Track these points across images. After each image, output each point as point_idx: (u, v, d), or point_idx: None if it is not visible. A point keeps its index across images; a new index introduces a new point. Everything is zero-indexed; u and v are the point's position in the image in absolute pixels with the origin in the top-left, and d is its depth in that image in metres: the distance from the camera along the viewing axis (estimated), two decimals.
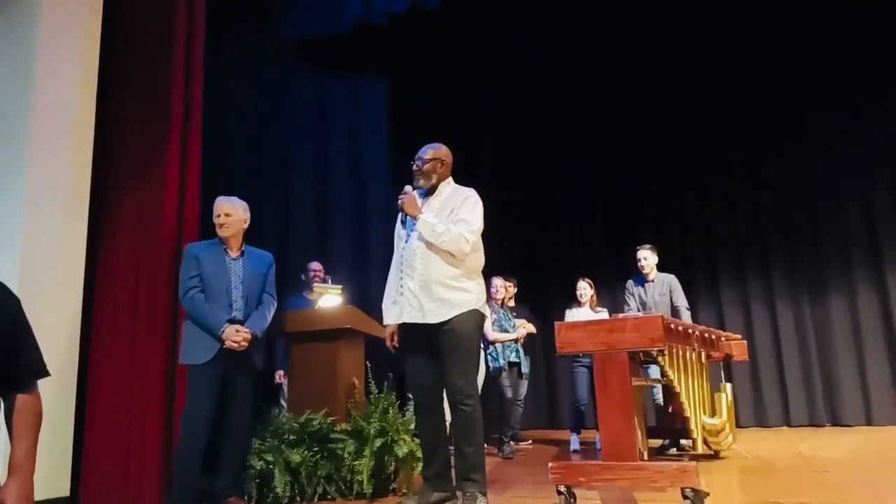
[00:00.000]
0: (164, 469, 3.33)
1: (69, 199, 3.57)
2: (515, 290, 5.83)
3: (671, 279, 5.22)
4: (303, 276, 4.96)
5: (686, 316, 5.05)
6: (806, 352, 6.36)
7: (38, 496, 1.85)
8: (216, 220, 3.34)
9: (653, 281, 5.22)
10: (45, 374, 1.71)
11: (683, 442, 4.76)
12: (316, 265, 4.98)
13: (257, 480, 3.28)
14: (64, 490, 3.38)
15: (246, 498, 3.24)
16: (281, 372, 4.75)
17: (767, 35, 6.71)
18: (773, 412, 6.41)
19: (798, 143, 6.67)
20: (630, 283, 5.39)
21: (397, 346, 3.19)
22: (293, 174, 6.13)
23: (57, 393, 3.36)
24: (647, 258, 5.22)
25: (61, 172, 3.54)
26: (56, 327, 3.39)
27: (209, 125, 3.93)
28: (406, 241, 3.11)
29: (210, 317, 3.16)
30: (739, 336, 4.66)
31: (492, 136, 7.93)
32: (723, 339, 4.38)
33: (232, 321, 3.19)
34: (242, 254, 3.39)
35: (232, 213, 3.35)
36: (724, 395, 4.24)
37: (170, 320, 3.44)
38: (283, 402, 4.47)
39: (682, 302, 5.14)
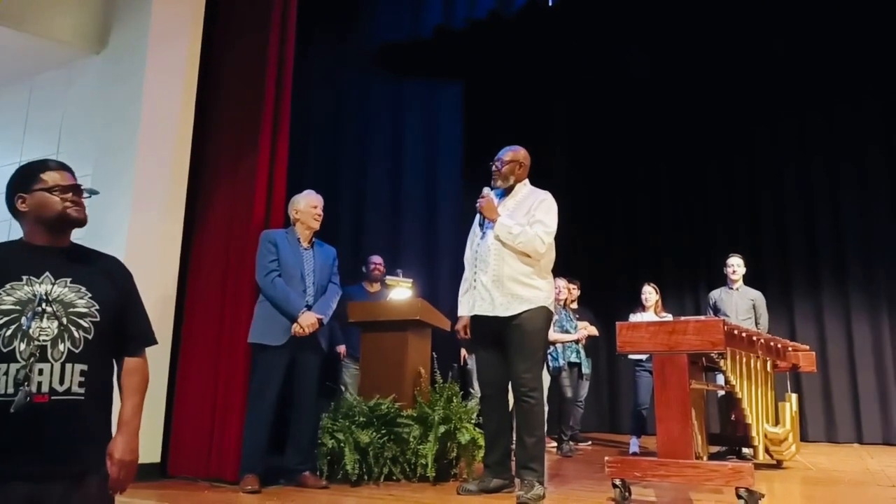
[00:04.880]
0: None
1: (169, 194, 3.92)
2: (578, 292, 5.89)
3: (757, 294, 5.17)
4: (364, 269, 5.18)
5: None
6: (882, 367, 6.15)
7: None
8: (316, 213, 3.64)
9: (737, 290, 5.19)
10: (154, 342, 1.91)
11: (745, 451, 4.72)
12: (377, 259, 5.18)
13: (328, 458, 3.52)
14: (155, 456, 3.71)
15: (318, 474, 3.49)
16: (343, 347, 4.92)
17: (853, 44, 6.49)
18: (844, 428, 6.22)
19: (881, 150, 6.43)
20: (711, 293, 5.37)
21: (468, 336, 3.35)
22: (369, 172, 6.39)
23: (153, 367, 3.69)
24: (739, 265, 5.20)
25: (164, 172, 3.91)
26: (153, 307, 3.72)
27: (292, 125, 4.20)
28: (482, 238, 3.27)
29: (292, 300, 3.43)
30: (807, 347, 4.58)
31: (563, 140, 8.01)
32: (789, 349, 4.33)
33: (307, 307, 3.47)
34: (312, 245, 3.67)
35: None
36: (788, 405, 4.19)
37: (255, 304, 3.72)
38: (342, 385, 4.67)
39: (763, 322, 5.09)
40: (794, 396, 4.32)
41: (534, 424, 3.08)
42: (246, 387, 3.60)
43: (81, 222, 1.74)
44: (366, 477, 3.46)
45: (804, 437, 5.84)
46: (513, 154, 3.36)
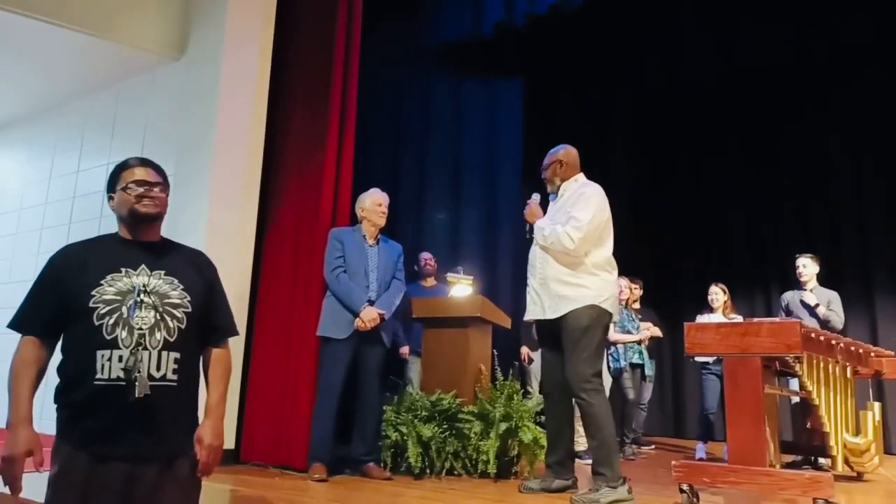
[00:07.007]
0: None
1: (243, 194, 4.10)
2: (641, 291, 5.75)
3: (832, 295, 4.92)
4: (415, 267, 5.21)
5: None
6: None
7: None
8: (381, 210, 3.72)
9: (810, 291, 4.96)
10: (236, 332, 2.01)
11: (822, 461, 4.51)
12: (427, 255, 5.22)
13: (392, 450, 3.59)
14: (230, 443, 3.87)
15: (382, 465, 3.56)
16: (406, 348, 4.98)
17: None
18: None
19: None
20: (784, 295, 5.15)
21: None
22: (429, 170, 6.46)
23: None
24: (806, 266, 4.96)
25: (238, 172, 4.08)
26: (229, 301, 3.89)
27: (356, 125, 4.28)
28: (533, 243, 3.30)
29: (354, 296, 3.53)
30: (892, 353, 4.32)
31: (625, 137, 7.84)
32: (872, 354, 4.10)
33: (369, 302, 3.55)
34: (378, 242, 3.75)
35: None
36: (870, 414, 3.97)
37: (323, 297, 3.83)
38: (408, 381, 4.71)
39: (836, 321, 4.83)
40: (876, 405, 4.09)
41: (593, 426, 3.00)
42: (314, 378, 3.71)
43: (150, 216, 1.78)
44: (428, 471, 3.51)
45: (888, 450, 5.52)
46: (551, 157, 3.33)
